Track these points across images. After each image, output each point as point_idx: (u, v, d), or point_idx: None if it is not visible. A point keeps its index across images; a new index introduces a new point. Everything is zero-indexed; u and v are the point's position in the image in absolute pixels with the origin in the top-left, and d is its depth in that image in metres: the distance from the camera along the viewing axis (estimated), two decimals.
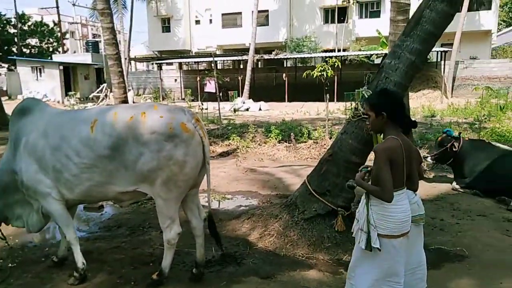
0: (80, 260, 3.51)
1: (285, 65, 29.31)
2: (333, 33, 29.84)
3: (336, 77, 19.97)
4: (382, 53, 21.28)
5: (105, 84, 27.61)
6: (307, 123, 13.12)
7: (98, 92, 28.09)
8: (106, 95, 26.25)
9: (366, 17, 30.48)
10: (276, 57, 27.07)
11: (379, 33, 21.84)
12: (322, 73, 9.74)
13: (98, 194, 3.43)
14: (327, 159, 4.41)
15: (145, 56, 37.69)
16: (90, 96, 29.13)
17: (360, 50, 25.97)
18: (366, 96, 3.77)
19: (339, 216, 4.15)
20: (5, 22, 37.33)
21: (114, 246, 4.37)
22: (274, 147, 9.69)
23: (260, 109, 21.65)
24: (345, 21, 30.10)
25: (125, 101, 10.74)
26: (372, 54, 24.26)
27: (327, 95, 10.74)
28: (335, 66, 10.08)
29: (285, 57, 27.83)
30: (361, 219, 2.67)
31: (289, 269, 3.79)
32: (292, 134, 9.99)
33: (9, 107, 16.78)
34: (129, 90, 19.90)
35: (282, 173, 7.67)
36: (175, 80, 31.51)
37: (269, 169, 8.06)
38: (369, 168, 2.75)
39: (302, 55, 27.74)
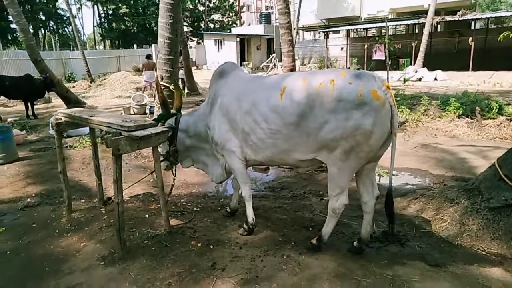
0: (250, 215, 3.84)
1: (472, 28, 24.93)
2: None
3: None
4: None
5: (274, 54, 29.12)
6: (497, 96, 11.00)
7: (267, 62, 29.87)
8: (274, 65, 27.70)
9: None
10: (461, 18, 23.18)
11: None
12: None
13: (279, 160, 3.54)
14: None
15: (313, 25, 37.82)
16: (261, 65, 31.27)
17: None
18: None
19: None
20: (196, 1, 43.23)
21: (277, 206, 4.63)
22: (451, 122, 8.49)
23: (435, 79, 19.25)
24: None
25: (293, 69, 11.05)
26: None
27: None
28: None
29: (474, 17, 23.54)
30: None
31: (464, 261, 3.30)
32: (477, 108, 8.51)
33: (197, 76, 19.59)
34: (295, 59, 20.43)
35: (461, 152, 6.67)
36: (341, 48, 30.74)
37: (444, 146, 7.12)
38: None
39: (499, 14, 22.93)
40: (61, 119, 4.18)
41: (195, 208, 4.62)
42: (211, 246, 3.63)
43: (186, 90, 15.70)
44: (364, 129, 2.92)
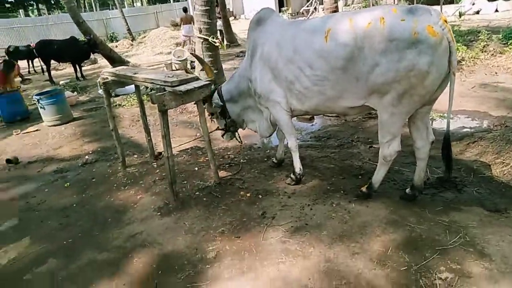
0: (298, 165, 3.81)
1: None
2: None
3: None
4: None
5: None
6: None
7: (307, 6, 28.38)
8: (315, 8, 26.28)
9: None
10: None
11: None
12: None
13: (326, 109, 3.40)
14: None
15: None
16: (300, 10, 29.81)
17: None
18: None
19: None
20: None
21: (324, 156, 4.57)
22: None
23: (496, 11, 17.32)
24: None
25: (335, 11, 10.43)
26: None
27: None
28: None
29: None
30: None
31: None
32: None
33: (235, 27, 19.12)
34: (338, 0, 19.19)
35: None
36: None
37: (506, 85, 6.53)
38: None
39: None
40: (107, 78, 4.27)
41: (242, 160, 4.67)
42: (260, 196, 3.69)
43: (225, 42, 15.45)
44: (419, 70, 2.69)
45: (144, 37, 20.56)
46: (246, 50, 3.91)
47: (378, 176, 3.35)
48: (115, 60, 13.08)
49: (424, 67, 2.67)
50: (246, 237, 3.07)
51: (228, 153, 4.98)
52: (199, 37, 6.85)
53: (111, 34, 24.46)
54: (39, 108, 7.14)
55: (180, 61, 11.87)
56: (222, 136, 4.51)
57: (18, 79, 8.35)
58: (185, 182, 4.15)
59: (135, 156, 5.17)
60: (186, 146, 5.33)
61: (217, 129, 4.46)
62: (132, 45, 20.51)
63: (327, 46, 3.01)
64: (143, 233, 3.31)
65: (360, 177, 3.91)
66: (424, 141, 3.19)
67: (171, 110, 7.04)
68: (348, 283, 2.47)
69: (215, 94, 4.11)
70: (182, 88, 3.22)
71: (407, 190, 3.38)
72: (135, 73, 3.80)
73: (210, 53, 6.92)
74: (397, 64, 2.72)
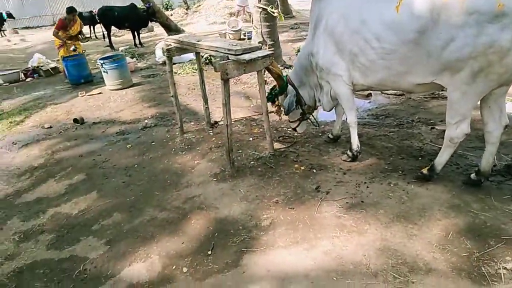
0: (355, 142, 3.74)
1: None
2: None
3: None
4: None
5: None
6: None
7: None
8: None
9: None
10: None
11: None
12: None
13: (391, 84, 3.25)
14: None
15: None
16: None
17: None
18: None
19: None
20: None
21: (382, 134, 4.44)
22: None
23: None
24: None
25: None
26: None
27: None
28: None
29: None
30: None
31: None
32: None
33: None
34: None
35: None
36: None
37: None
38: None
39: None
40: (170, 44, 4.37)
41: (295, 134, 4.66)
42: (314, 170, 3.69)
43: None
44: (500, 46, 2.48)
45: (199, 6, 20.66)
46: (310, 23, 3.81)
47: (441, 159, 3.21)
48: (171, 28, 13.33)
49: (505, 44, 2.47)
50: (300, 209, 3.10)
51: (282, 126, 4.98)
52: (258, 6, 6.77)
53: (167, 3, 24.82)
54: (102, 72, 7.51)
55: (234, 31, 11.86)
56: (294, 129, 4.46)
57: (82, 44, 8.75)
58: (240, 151, 4.23)
59: (192, 123, 5.33)
60: (240, 116, 5.40)
61: (290, 124, 4.47)
62: (186, 14, 20.72)
63: (399, 17, 2.86)
64: (200, 197, 3.45)
65: (420, 158, 3.77)
66: (497, 124, 2.98)
67: None
68: (405, 263, 2.44)
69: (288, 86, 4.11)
70: (246, 57, 3.23)
71: (472, 175, 3.21)
72: (198, 41, 3.85)
73: (267, 23, 6.83)
74: (475, 39, 2.53)
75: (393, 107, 5.40)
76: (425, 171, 3.32)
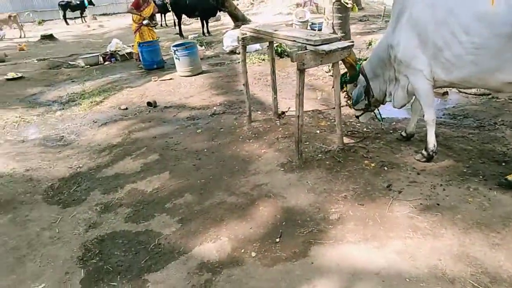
0: (432, 141, 3.54)
1: None
2: None
3: None
4: None
5: None
6: None
7: None
8: None
9: None
10: None
11: None
12: None
13: (477, 82, 3.06)
14: None
15: None
16: None
17: None
18: None
19: None
20: None
21: (460, 136, 4.17)
22: None
23: None
24: None
25: None
26: None
27: None
28: None
29: None
30: None
31: None
32: None
33: None
34: None
35: None
36: None
37: None
38: None
39: None
40: (246, 33, 4.44)
41: (365, 129, 4.54)
42: (385, 168, 3.57)
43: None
44: None
45: None
46: (391, 15, 3.66)
47: None
48: (238, 18, 13.52)
49: None
50: (370, 206, 3.03)
51: (350, 120, 4.87)
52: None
53: None
54: (174, 59, 7.84)
55: (301, 22, 11.73)
56: (358, 117, 4.40)
57: (156, 31, 9.21)
58: (307, 143, 4.21)
59: (259, 112, 5.39)
60: (306, 108, 5.35)
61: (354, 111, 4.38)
62: (252, 4, 20.86)
63: (495, 8, 2.64)
64: (268, 185, 3.51)
65: (503, 163, 3.50)
66: None
67: (291, 72, 7.12)
68: (486, 272, 2.30)
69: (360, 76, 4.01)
70: (326, 47, 3.18)
71: None
72: (275, 30, 3.87)
73: (340, 14, 6.67)
74: None
75: (472, 107, 5.04)
76: (510, 177, 3.08)
